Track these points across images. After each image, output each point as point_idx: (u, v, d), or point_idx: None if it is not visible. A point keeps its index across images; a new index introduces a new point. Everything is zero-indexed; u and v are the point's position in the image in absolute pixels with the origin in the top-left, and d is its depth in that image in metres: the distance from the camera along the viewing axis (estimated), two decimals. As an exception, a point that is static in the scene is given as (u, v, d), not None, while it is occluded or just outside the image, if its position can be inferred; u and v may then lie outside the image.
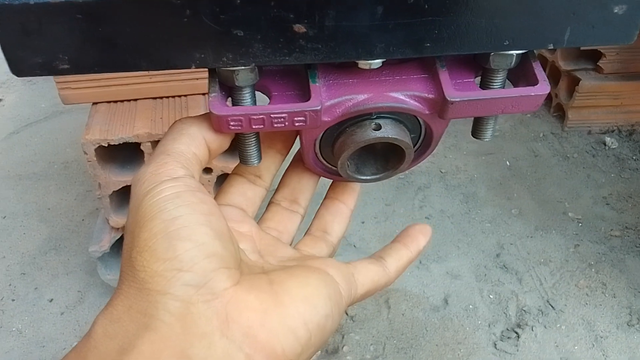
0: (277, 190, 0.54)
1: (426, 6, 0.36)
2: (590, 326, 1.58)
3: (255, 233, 0.48)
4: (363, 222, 1.92)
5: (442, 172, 2.14)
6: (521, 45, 0.40)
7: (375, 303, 1.64)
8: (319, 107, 0.40)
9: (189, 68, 0.38)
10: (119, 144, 1.33)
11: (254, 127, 0.41)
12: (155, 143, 1.33)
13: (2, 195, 2.07)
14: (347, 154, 0.45)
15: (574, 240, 1.85)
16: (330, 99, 0.42)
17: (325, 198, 0.55)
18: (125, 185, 1.41)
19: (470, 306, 1.64)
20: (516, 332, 1.57)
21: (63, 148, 2.29)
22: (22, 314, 1.66)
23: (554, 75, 2.38)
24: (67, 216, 1.98)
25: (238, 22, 0.36)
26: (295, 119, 0.41)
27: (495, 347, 1.53)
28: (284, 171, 0.54)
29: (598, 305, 1.64)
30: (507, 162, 2.19)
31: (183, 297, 0.33)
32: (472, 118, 0.46)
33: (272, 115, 0.40)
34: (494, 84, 0.43)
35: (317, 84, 0.42)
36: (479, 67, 0.44)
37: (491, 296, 1.67)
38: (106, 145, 1.32)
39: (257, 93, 0.43)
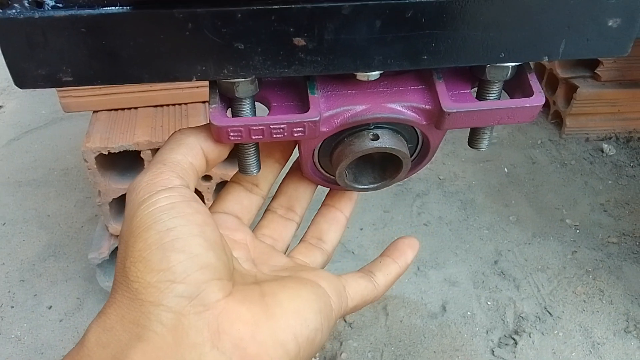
0: (274, 197, 0.54)
1: (423, 20, 0.37)
2: (588, 333, 1.59)
3: (250, 241, 0.49)
4: (361, 229, 1.92)
5: (440, 179, 2.15)
6: (516, 57, 0.41)
7: (373, 310, 1.65)
8: (317, 118, 0.41)
9: (191, 80, 0.38)
10: (119, 151, 1.33)
11: (253, 137, 0.41)
12: (155, 151, 1.34)
13: (1, 202, 2.07)
14: (345, 163, 0.45)
15: (571, 247, 1.85)
16: (328, 109, 0.43)
17: (322, 205, 0.55)
18: (125, 192, 1.40)
19: (468, 313, 1.65)
20: (514, 339, 1.57)
21: (63, 155, 2.29)
22: (21, 321, 1.66)
23: (552, 83, 2.39)
24: (67, 223, 1.98)
25: (239, 36, 0.36)
26: (294, 129, 0.41)
27: (493, 354, 1.54)
28: (281, 179, 0.55)
29: (595, 312, 1.64)
30: (505, 169, 2.20)
31: (175, 308, 0.34)
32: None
33: (271, 126, 0.41)
34: (490, 95, 0.44)
35: (315, 95, 0.42)
36: (475, 79, 0.44)
37: (489, 303, 1.68)
38: (106, 153, 1.33)
39: (257, 104, 0.44)
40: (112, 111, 1.46)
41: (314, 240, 0.53)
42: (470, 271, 1.78)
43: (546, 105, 2.42)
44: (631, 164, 2.19)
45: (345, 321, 1.62)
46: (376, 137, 0.44)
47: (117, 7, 0.35)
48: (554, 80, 2.36)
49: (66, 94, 1.38)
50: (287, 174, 0.55)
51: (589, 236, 1.89)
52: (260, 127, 0.41)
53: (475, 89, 0.45)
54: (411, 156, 0.49)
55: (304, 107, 0.42)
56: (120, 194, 1.42)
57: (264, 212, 0.54)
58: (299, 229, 0.55)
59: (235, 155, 0.46)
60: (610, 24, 0.39)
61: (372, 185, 0.50)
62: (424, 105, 0.44)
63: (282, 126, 0.41)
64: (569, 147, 2.29)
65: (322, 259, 0.52)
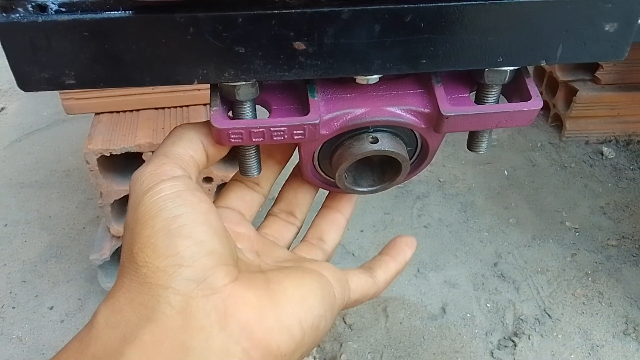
0: (275, 202, 0.55)
1: (422, 24, 0.37)
2: (587, 335, 1.59)
3: (253, 235, 0.50)
4: (362, 231, 1.93)
5: (440, 181, 2.15)
6: (514, 61, 0.41)
7: (373, 311, 1.65)
8: (317, 121, 0.41)
9: (192, 83, 0.39)
10: (121, 153, 1.34)
11: (254, 140, 0.42)
12: (156, 152, 1.34)
13: (3, 203, 2.07)
14: (345, 166, 0.46)
15: (571, 250, 1.85)
16: (328, 112, 0.43)
17: (322, 207, 0.56)
18: (126, 194, 1.41)
19: (468, 315, 1.65)
20: (513, 341, 1.57)
21: (65, 156, 2.29)
22: (22, 322, 1.66)
23: (552, 86, 2.39)
24: (68, 224, 1.98)
25: (240, 40, 0.37)
26: (295, 132, 0.42)
27: (492, 356, 1.54)
28: (282, 182, 0.55)
29: (594, 314, 1.65)
30: (505, 172, 2.20)
31: (184, 291, 0.35)
32: (468, 131, 0.47)
33: (271, 129, 0.41)
34: (489, 99, 0.44)
35: (315, 99, 0.43)
36: (473, 83, 0.45)
37: (488, 305, 1.68)
38: (108, 155, 1.33)
39: (257, 106, 0.44)
40: (114, 113, 1.46)
41: (315, 241, 0.54)
42: (470, 273, 1.79)
43: (546, 108, 2.43)
44: (631, 167, 2.19)
45: (345, 323, 1.62)
46: (375, 140, 0.45)
47: (119, 12, 0.35)
48: (553, 83, 2.36)
49: (68, 96, 1.39)
50: (287, 179, 0.55)
51: (588, 239, 1.89)
52: (260, 130, 0.41)
53: (474, 92, 0.45)
54: (410, 159, 0.49)
55: (304, 110, 0.43)
56: (122, 196, 1.42)
57: (266, 216, 0.55)
58: (300, 233, 0.55)
59: (236, 157, 0.47)
60: (607, 28, 0.39)
61: (372, 188, 0.51)
62: (422, 109, 0.44)
63: (283, 129, 0.41)
64: (568, 149, 2.30)
65: (323, 258, 0.53)
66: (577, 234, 1.91)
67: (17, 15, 0.35)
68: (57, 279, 1.79)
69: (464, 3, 0.37)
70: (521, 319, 1.63)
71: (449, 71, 0.45)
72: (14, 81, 0.38)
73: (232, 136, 0.41)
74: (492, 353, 1.55)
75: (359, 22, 0.37)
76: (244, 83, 0.40)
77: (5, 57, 0.36)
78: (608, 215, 1.98)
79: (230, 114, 0.43)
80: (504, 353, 1.55)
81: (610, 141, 2.32)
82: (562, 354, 1.55)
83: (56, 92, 1.39)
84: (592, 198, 2.06)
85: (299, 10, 0.36)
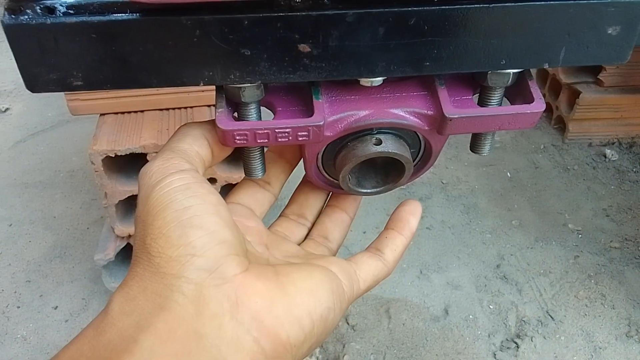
0: (287, 205, 0.56)
1: (426, 27, 0.38)
2: (589, 337, 1.59)
3: (262, 229, 0.50)
4: (364, 232, 1.93)
5: (443, 183, 2.15)
6: (517, 64, 0.41)
7: (375, 313, 1.65)
8: (321, 123, 0.42)
9: (198, 85, 0.39)
10: (126, 154, 1.34)
11: (258, 141, 0.42)
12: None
13: (8, 203, 2.08)
14: (349, 167, 0.46)
15: (573, 252, 1.85)
16: (332, 114, 0.44)
17: (326, 206, 0.56)
18: (131, 194, 1.42)
19: (470, 316, 1.65)
20: (515, 343, 1.57)
21: (69, 157, 2.30)
22: (26, 321, 1.66)
23: (555, 88, 2.39)
24: (73, 224, 1.99)
25: (245, 42, 0.37)
26: (299, 133, 0.42)
27: (495, 358, 1.54)
28: (294, 186, 0.56)
29: (597, 316, 1.65)
30: (508, 174, 2.20)
31: (196, 280, 0.35)
32: (471, 133, 0.47)
33: (276, 130, 0.42)
34: (492, 101, 0.44)
35: (320, 100, 0.43)
36: (477, 85, 0.45)
37: (491, 306, 1.68)
38: (113, 155, 1.34)
39: (262, 108, 0.44)
40: (119, 114, 1.47)
41: (320, 239, 0.54)
42: (472, 275, 1.79)
43: (549, 110, 2.43)
44: (634, 169, 2.19)
45: (347, 323, 1.62)
46: (379, 142, 0.45)
47: (127, 14, 0.36)
48: (557, 85, 2.36)
49: (74, 97, 1.40)
50: (299, 184, 0.56)
51: (591, 241, 1.89)
52: (265, 131, 0.42)
53: (477, 95, 0.46)
54: (413, 161, 0.49)
55: (309, 112, 0.43)
56: (127, 196, 1.43)
57: (278, 217, 0.56)
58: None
59: (241, 159, 0.47)
60: (609, 31, 0.40)
61: (375, 190, 0.51)
62: (426, 111, 0.44)
63: (287, 130, 0.42)
64: (571, 152, 2.30)
65: (328, 255, 0.53)
66: (580, 236, 1.91)
67: (26, 17, 0.35)
68: (62, 279, 1.79)
69: (468, 6, 0.37)
70: (524, 321, 1.63)
71: (452, 73, 0.45)
72: (19, 82, 0.39)
73: (237, 137, 0.42)
74: (495, 355, 1.55)
75: (363, 24, 0.37)
76: (249, 85, 0.40)
77: (10, 58, 0.37)
78: (611, 217, 1.98)
79: (235, 115, 0.44)
80: (506, 355, 1.55)
81: (613, 143, 2.32)
82: (564, 355, 1.55)
83: (61, 93, 1.39)
84: (595, 200, 2.06)
85: (304, 13, 0.36)
